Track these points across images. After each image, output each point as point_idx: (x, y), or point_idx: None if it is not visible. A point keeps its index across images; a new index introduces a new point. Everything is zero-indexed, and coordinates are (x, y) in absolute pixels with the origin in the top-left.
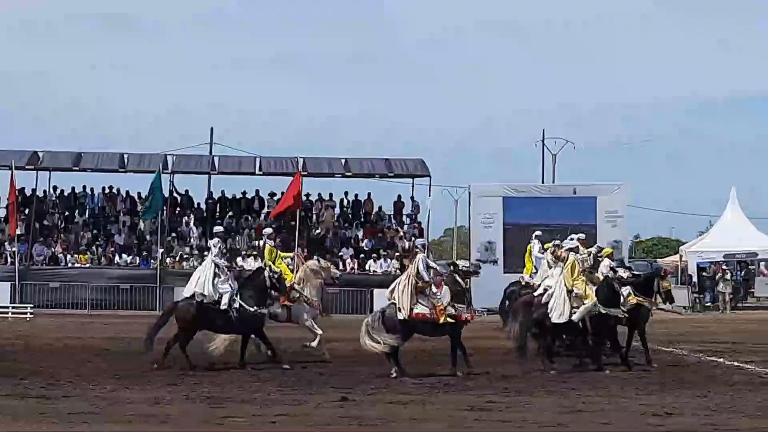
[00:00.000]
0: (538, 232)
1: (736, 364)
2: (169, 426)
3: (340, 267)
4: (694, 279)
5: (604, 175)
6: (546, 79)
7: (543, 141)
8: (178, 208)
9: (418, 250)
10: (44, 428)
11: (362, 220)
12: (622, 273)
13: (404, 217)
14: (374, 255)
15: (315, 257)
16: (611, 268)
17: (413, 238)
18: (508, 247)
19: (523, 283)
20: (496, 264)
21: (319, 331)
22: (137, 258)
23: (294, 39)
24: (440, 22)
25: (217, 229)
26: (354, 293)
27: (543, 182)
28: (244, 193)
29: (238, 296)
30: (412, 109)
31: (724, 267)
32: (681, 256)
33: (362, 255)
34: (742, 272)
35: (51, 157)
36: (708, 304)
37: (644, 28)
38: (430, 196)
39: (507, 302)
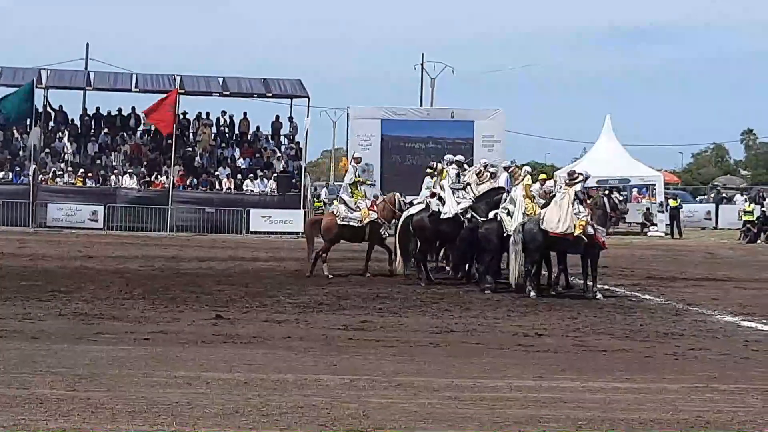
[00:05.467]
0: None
1: (606, 287)
2: (41, 342)
3: (217, 187)
4: None
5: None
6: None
7: (422, 65)
8: (52, 124)
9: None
10: None
11: (239, 139)
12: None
13: (282, 138)
14: (251, 175)
15: None
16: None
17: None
18: (386, 165)
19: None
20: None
21: None
22: (10, 173)
23: None
24: None
25: None
26: (230, 212)
27: (421, 106)
28: (119, 110)
29: None
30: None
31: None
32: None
33: (239, 175)
34: None
35: None
36: None
37: None
38: (308, 117)
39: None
